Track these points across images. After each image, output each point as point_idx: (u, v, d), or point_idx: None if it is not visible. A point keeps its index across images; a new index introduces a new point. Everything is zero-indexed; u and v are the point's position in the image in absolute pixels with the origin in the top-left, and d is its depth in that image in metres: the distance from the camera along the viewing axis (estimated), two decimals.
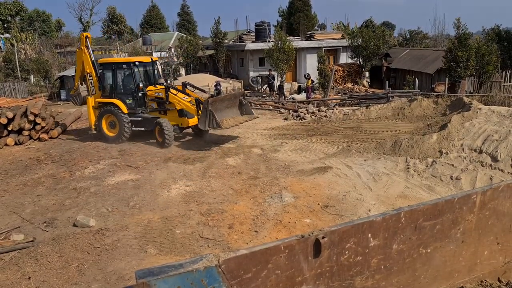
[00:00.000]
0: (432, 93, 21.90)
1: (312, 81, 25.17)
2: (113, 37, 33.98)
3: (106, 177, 10.97)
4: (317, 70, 25.50)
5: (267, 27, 30.86)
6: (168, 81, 28.36)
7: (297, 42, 29.72)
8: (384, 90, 24.49)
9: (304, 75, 25.80)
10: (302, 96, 25.27)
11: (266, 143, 13.71)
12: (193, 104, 13.59)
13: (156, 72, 15.62)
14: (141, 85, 14.32)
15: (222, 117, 12.86)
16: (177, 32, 46.51)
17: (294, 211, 8.51)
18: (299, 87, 28.55)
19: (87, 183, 10.56)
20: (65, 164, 12.32)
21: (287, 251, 2.53)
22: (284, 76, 27.18)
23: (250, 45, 29.79)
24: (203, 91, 16.01)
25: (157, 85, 14.75)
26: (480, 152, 10.54)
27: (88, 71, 14.98)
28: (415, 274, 2.94)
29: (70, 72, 28.75)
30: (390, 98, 19.80)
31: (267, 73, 26.24)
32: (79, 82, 16.02)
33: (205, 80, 27.07)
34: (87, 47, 14.97)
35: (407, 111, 15.85)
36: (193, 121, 14.10)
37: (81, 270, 6.59)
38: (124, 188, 10.12)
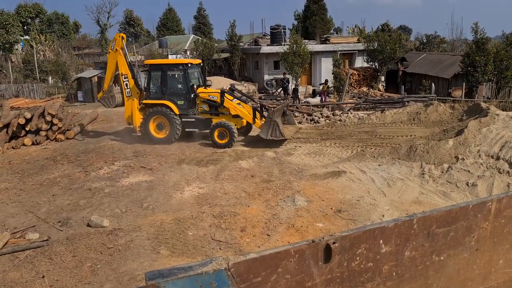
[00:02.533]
0: (449, 98, 21.63)
1: (328, 86, 25.11)
2: (130, 39, 34.35)
3: (121, 178, 11.08)
4: (332, 73, 25.42)
5: (282, 30, 30.92)
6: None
7: (312, 46, 29.68)
8: (399, 94, 24.27)
9: (323, 83, 25.76)
10: (317, 99, 25.20)
11: (280, 147, 13.68)
12: (250, 113, 14.01)
13: (202, 74, 15.82)
14: (195, 86, 14.43)
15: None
16: (193, 35, 46.84)
17: (307, 215, 8.47)
18: (313, 90, 28.50)
19: (101, 184, 10.68)
20: (81, 164, 12.49)
21: (297, 255, 2.51)
22: (299, 79, 27.15)
23: (265, 48, 29.85)
24: (251, 98, 16.14)
25: (206, 87, 14.98)
26: (497, 158, 10.35)
27: (123, 72, 14.95)
28: (427, 282, 2.89)
29: (87, 73, 29.19)
30: (406, 102, 19.61)
31: (282, 76, 26.24)
32: (109, 85, 15.87)
33: (220, 83, 27.18)
34: (123, 48, 14.95)
35: (423, 116, 15.66)
36: (243, 122, 14.55)
37: (94, 270, 6.66)
38: (138, 189, 10.21)
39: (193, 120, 14.45)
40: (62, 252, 7.20)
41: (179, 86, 14.76)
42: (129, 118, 15.35)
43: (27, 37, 43.35)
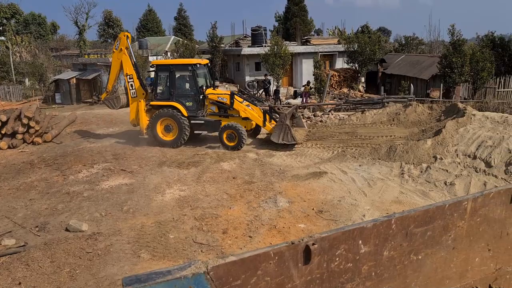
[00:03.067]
0: (427, 98, 22.02)
1: (310, 88, 25.27)
2: (109, 40, 33.88)
3: (100, 181, 10.92)
4: (313, 75, 25.58)
5: (263, 32, 31.01)
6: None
7: (293, 47, 29.83)
8: (379, 95, 24.58)
9: (305, 84, 25.92)
10: (298, 101, 25.32)
11: (261, 148, 13.69)
12: (260, 116, 13.82)
13: (210, 75, 15.48)
14: (204, 87, 14.15)
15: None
16: (173, 36, 46.58)
17: (289, 216, 8.49)
18: (295, 91, 28.63)
19: (80, 187, 10.50)
20: (59, 168, 12.25)
21: (276, 257, 2.51)
22: (280, 80, 27.25)
23: (246, 50, 29.87)
24: (260, 100, 15.90)
25: (215, 88, 14.68)
26: (474, 158, 10.58)
27: (128, 72, 14.60)
28: (405, 281, 2.93)
29: (65, 75, 28.70)
30: (386, 103, 19.85)
31: (263, 77, 26.29)
32: (113, 85, 15.48)
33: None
34: (127, 48, 14.59)
35: (402, 116, 15.89)
36: (253, 124, 14.35)
37: (72, 275, 6.53)
38: (118, 193, 10.07)
39: (202, 122, 14.08)
40: (40, 258, 7.04)
41: (188, 87, 14.44)
42: (134, 120, 14.99)
43: (2, 38, 42.36)
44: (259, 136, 15.10)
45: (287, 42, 31.59)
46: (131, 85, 14.60)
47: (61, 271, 6.64)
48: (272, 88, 25.81)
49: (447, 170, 10.35)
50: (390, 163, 11.29)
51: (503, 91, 23.28)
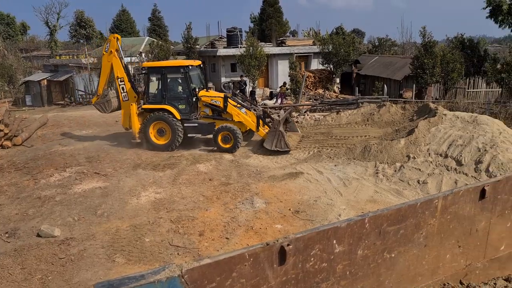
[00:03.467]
0: (400, 99, 22.46)
1: (287, 88, 25.40)
2: (81, 41, 33.24)
3: (73, 185, 10.67)
4: (289, 76, 25.72)
5: (238, 33, 30.98)
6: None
7: (269, 48, 29.93)
8: (354, 96, 24.92)
9: (282, 85, 26.02)
10: (274, 102, 25.42)
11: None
12: (253, 121, 13.55)
13: (203, 76, 15.18)
14: (197, 89, 13.86)
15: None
16: (147, 37, 46.01)
17: (266, 217, 8.50)
18: (271, 92, 28.72)
19: (52, 192, 10.24)
20: (29, 172, 11.92)
21: (251, 259, 2.50)
22: (256, 82, 27.29)
23: (222, 51, 29.80)
24: (253, 104, 15.51)
25: (208, 90, 14.33)
26: (446, 156, 10.83)
27: (119, 75, 14.24)
28: (379, 279, 2.97)
29: (36, 77, 28.00)
30: (360, 104, 20.15)
31: (239, 78, 26.28)
32: (103, 89, 15.03)
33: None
34: (118, 50, 14.23)
35: (376, 116, 16.14)
36: (246, 127, 14.00)
37: (44, 282, 6.36)
38: (91, 196, 9.87)
39: (196, 124, 13.81)
40: (10, 265, 6.83)
41: (180, 89, 14.16)
42: (126, 124, 14.62)
43: None
44: (253, 139, 14.91)
45: (263, 43, 31.67)
46: (122, 88, 14.29)
47: (33, 278, 6.46)
48: (248, 89, 25.81)
49: (420, 169, 10.57)
50: (365, 163, 11.45)
51: (473, 91, 23.95)
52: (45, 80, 27.31)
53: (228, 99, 13.71)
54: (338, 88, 30.79)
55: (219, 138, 13.35)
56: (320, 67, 31.18)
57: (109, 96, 14.93)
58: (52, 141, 15.90)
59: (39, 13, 52.42)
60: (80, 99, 29.55)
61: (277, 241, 2.54)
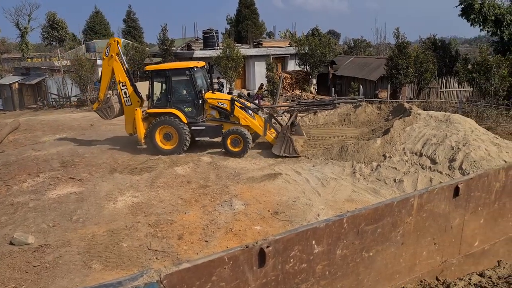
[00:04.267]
0: (376, 99, 22.81)
1: (265, 90, 25.47)
2: (54, 43, 32.52)
3: (47, 190, 10.42)
4: (266, 77, 25.79)
5: (215, 34, 30.88)
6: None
7: (246, 50, 29.96)
8: (330, 96, 25.17)
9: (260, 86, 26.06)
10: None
11: (216, 151, 13.60)
12: (261, 125, 13.28)
13: (208, 78, 14.82)
14: (203, 91, 13.55)
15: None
16: (122, 39, 45.40)
17: (245, 219, 8.49)
18: (248, 94, 28.73)
19: (25, 198, 9.97)
20: (1, 178, 11.57)
21: (231, 262, 2.49)
22: (233, 83, 27.27)
23: (198, 53, 29.65)
24: (260, 108, 15.10)
25: (214, 92, 14.06)
26: (420, 155, 11.05)
27: (121, 80, 13.85)
28: (358, 278, 3.00)
29: (7, 80, 27.27)
30: (337, 104, 20.35)
31: (216, 80, 26.20)
32: (105, 94, 14.56)
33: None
34: (118, 54, 13.86)
35: (352, 117, 16.34)
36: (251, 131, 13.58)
37: None
38: (66, 202, 9.66)
39: (203, 127, 13.51)
40: None
41: (186, 92, 13.85)
42: (130, 129, 14.22)
43: None
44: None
45: (239, 44, 31.67)
46: (125, 92, 13.91)
47: None
48: (225, 91, 25.77)
49: (396, 168, 10.75)
50: (342, 163, 11.58)
51: (445, 91, 24.52)
52: (17, 84, 26.62)
53: (235, 102, 13.47)
54: (315, 89, 31.05)
55: (228, 141, 13.03)
56: (297, 68, 31.38)
57: (111, 101, 14.51)
58: (24, 146, 15.51)
59: (9, 15, 51.01)
60: (53, 102, 28.93)
61: (257, 243, 2.53)
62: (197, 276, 2.37)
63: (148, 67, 14.16)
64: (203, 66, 14.42)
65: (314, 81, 31.32)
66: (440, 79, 24.56)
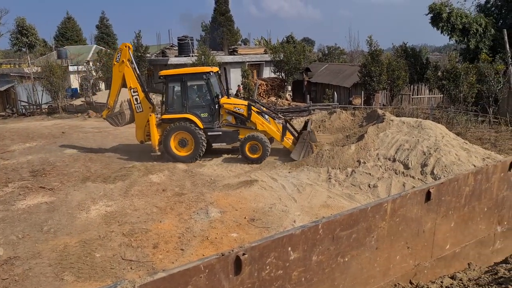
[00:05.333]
0: (350, 105, 23.15)
1: (239, 97, 25.51)
2: (23, 49, 31.75)
3: (16, 201, 10.10)
4: (241, 84, 25.85)
5: (190, 41, 30.80)
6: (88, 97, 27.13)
7: (221, 57, 29.99)
8: (305, 103, 25.41)
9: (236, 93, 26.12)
10: None
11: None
12: (278, 130, 13.09)
13: (220, 83, 14.55)
14: (220, 96, 13.27)
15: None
16: (95, 45, 44.74)
17: (221, 226, 8.43)
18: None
19: None
20: None
21: (207, 270, 2.47)
22: None
23: (173, 60, 29.51)
24: (276, 113, 14.70)
25: (229, 97, 13.84)
26: (394, 160, 11.26)
27: (132, 86, 13.53)
28: (334, 284, 3.02)
29: None
30: (312, 111, 20.58)
31: None
32: (115, 100, 14.21)
33: (126, 95, 26.24)
34: (130, 60, 13.54)
35: (327, 123, 16.54)
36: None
37: None
38: (37, 212, 9.38)
39: (220, 133, 13.27)
40: None
41: (202, 97, 13.64)
42: (141, 136, 13.86)
43: None
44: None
45: (214, 51, 31.68)
46: (136, 99, 13.62)
47: None
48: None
49: (370, 173, 10.91)
50: (317, 169, 11.67)
51: (417, 98, 25.12)
52: None
53: (252, 106, 13.32)
54: (290, 96, 31.28)
55: (247, 148, 12.80)
56: (272, 75, 31.57)
57: (122, 108, 14.16)
58: None
59: None
60: (23, 110, 28.17)
61: (232, 251, 2.52)
62: (173, 286, 2.34)
63: (163, 72, 13.90)
64: (217, 72, 14.24)
65: (289, 88, 31.57)
66: (411, 86, 25.15)
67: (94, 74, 30.24)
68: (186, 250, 7.53)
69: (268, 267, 2.69)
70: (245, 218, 8.80)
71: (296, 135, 13.55)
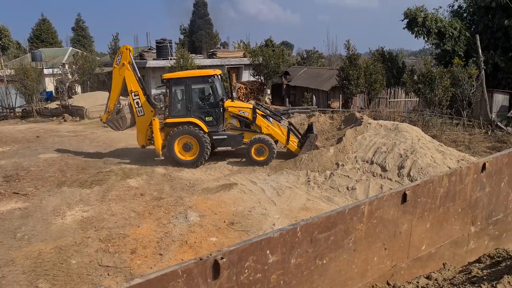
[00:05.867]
0: (328, 109, 23.38)
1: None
2: None
3: None
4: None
5: (168, 44, 30.58)
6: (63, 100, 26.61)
7: (200, 60, 29.86)
8: (284, 106, 25.52)
9: None
10: None
11: (170, 163, 13.36)
12: (284, 134, 12.96)
13: (223, 86, 14.26)
14: (225, 100, 13.04)
15: None
16: (71, 48, 44.03)
17: (200, 230, 8.38)
18: None
19: None
20: None
21: (185, 275, 2.44)
22: None
23: (151, 63, 29.24)
24: (280, 116, 14.49)
25: (234, 100, 13.64)
26: (372, 163, 11.41)
27: (133, 89, 13.21)
28: (312, 286, 3.02)
29: None
30: (291, 114, 20.65)
31: None
32: (115, 104, 13.86)
33: (104, 99, 25.85)
34: (130, 63, 13.20)
35: (306, 126, 16.61)
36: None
37: None
38: (10, 219, 9.13)
39: (225, 137, 13.08)
40: None
41: (206, 100, 13.41)
42: (143, 141, 13.55)
43: None
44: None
45: (193, 55, 31.53)
46: (137, 102, 13.33)
47: None
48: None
49: (348, 176, 11.03)
50: (297, 172, 11.73)
51: (394, 101, 25.56)
52: None
53: (257, 109, 13.18)
54: (269, 99, 31.36)
55: (253, 150, 12.70)
56: (251, 78, 31.62)
57: (123, 112, 13.81)
58: None
59: None
60: None
61: (211, 255, 2.50)
62: None
63: (166, 75, 13.69)
64: (220, 74, 14.08)
65: (269, 91, 31.66)
66: (388, 90, 25.57)
67: (70, 77, 29.70)
68: (165, 255, 7.45)
69: (246, 270, 2.67)
70: (224, 222, 8.77)
71: (300, 137, 13.56)
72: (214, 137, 13.06)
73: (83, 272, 6.89)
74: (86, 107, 24.65)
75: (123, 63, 13.40)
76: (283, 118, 14.80)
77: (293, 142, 13.25)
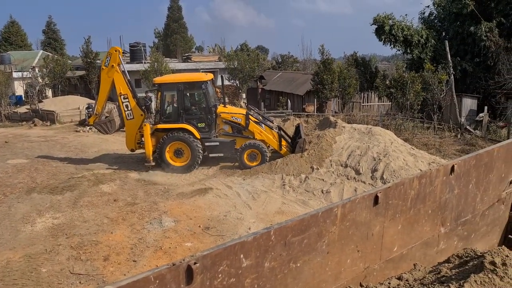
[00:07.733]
0: (303, 113, 23.57)
1: None
2: None
3: None
4: None
5: (142, 48, 30.28)
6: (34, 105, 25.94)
7: (174, 64, 29.70)
8: (260, 111, 25.58)
9: None
10: None
11: (143, 167, 13.18)
12: (276, 139, 12.81)
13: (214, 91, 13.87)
14: (217, 105, 12.73)
15: None
16: (42, 51, 43.01)
17: (175, 236, 8.29)
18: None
19: None
20: None
21: (157, 281, 2.40)
22: None
23: (125, 66, 28.76)
24: (271, 121, 14.26)
25: (226, 106, 13.36)
26: (346, 166, 11.56)
27: (122, 92, 12.83)
28: None
29: None
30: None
31: (144, 95, 25.59)
32: (103, 107, 13.44)
33: (76, 103, 25.40)
34: (119, 65, 12.80)
35: None
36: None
37: None
38: None
39: (217, 143, 12.92)
40: None
41: (199, 106, 13.13)
42: (131, 144, 13.20)
43: None
44: None
45: (168, 59, 31.33)
46: (126, 105, 12.97)
47: None
48: (154, 105, 25.23)
49: (323, 179, 11.13)
50: (272, 176, 11.76)
51: (367, 105, 26.01)
52: None
53: (250, 115, 13.04)
54: (245, 103, 31.41)
55: (245, 156, 12.60)
56: (227, 82, 31.59)
57: (112, 115, 13.46)
58: None
59: None
60: None
61: (184, 260, 2.47)
62: None
63: (157, 80, 13.38)
64: (212, 79, 13.82)
65: (244, 95, 31.73)
66: (362, 94, 26.01)
67: (41, 80, 28.98)
68: (139, 261, 7.33)
69: (220, 275, 2.66)
70: (199, 226, 8.71)
71: (290, 141, 13.56)
72: (206, 144, 12.95)
73: (54, 281, 6.71)
74: (57, 112, 24.08)
75: (112, 65, 13.11)
76: (272, 123, 14.75)
77: (284, 147, 13.25)
